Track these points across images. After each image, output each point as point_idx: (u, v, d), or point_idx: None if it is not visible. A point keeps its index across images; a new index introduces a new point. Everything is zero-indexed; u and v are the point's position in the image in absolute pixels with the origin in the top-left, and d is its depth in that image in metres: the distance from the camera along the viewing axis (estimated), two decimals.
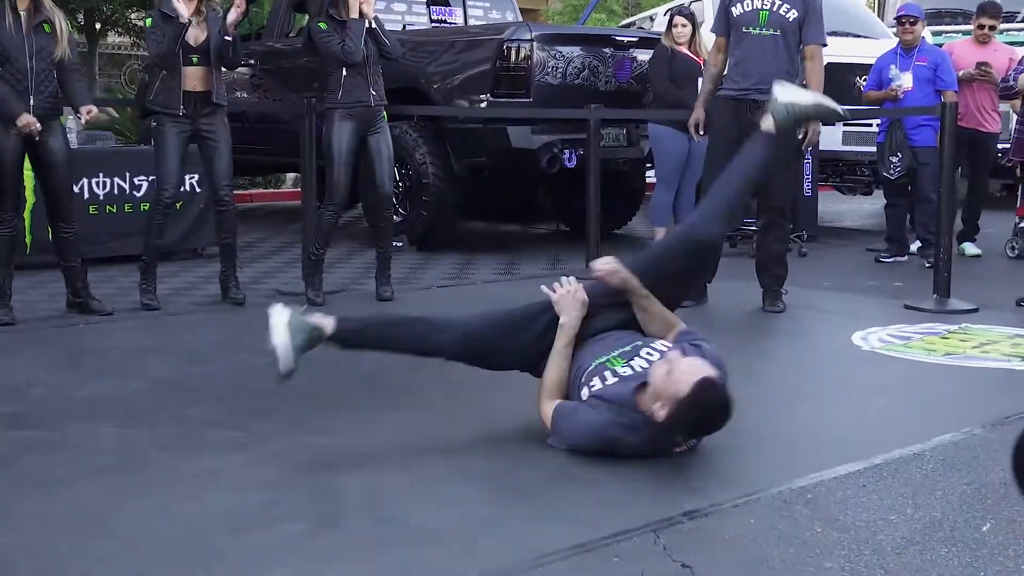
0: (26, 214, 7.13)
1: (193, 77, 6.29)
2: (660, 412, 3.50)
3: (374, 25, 6.57)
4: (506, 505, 3.30)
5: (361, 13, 6.54)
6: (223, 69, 6.47)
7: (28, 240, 7.36)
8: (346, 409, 4.36)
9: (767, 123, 4.42)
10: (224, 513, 3.20)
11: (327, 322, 4.00)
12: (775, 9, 6.17)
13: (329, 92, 6.60)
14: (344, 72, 6.52)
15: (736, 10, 6.24)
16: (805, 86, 6.27)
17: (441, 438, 3.99)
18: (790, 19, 6.17)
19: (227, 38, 6.33)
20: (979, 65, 8.43)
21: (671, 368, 3.51)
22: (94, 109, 6.06)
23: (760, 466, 3.67)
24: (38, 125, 5.75)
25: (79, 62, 6.25)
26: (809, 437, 4.03)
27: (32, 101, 5.77)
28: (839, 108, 4.47)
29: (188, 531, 3.08)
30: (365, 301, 6.72)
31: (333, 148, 6.55)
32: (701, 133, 6.52)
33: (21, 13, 5.76)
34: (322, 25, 6.57)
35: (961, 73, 8.45)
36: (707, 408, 3.48)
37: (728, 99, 6.26)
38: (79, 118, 6.17)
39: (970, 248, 8.67)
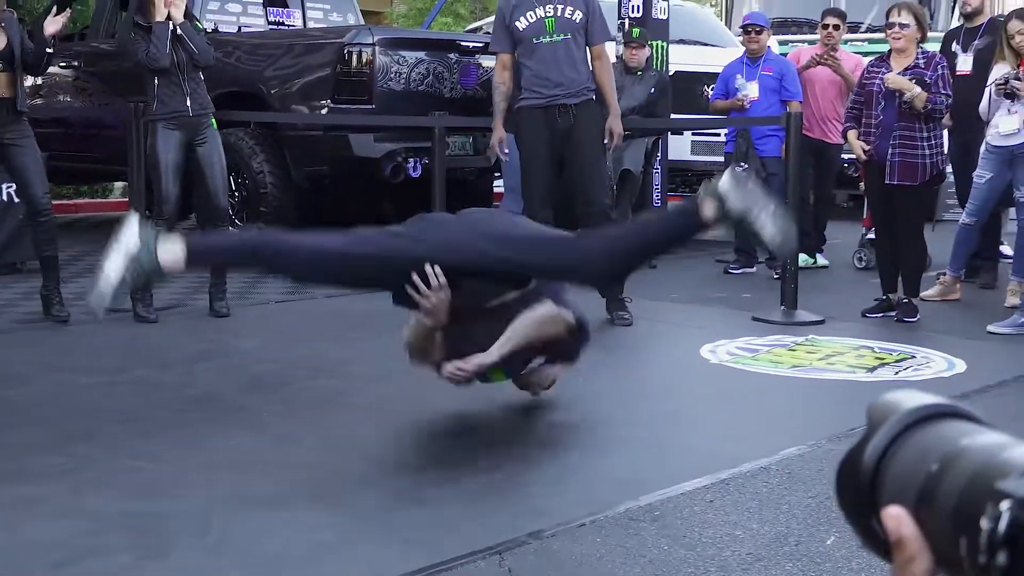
0: None
1: None
2: None
3: (179, 31, 6.41)
4: (347, 529, 3.28)
5: (169, 16, 6.38)
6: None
7: None
8: (175, 431, 4.27)
9: (707, 207, 4.02)
10: (45, 544, 3.10)
11: (174, 253, 3.98)
12: (560, 14, 6.30)
13: (148, 101, 6.48)
14: (156, 80, 6.40)
15: (521, 24, 6.33)
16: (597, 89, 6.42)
17: (277, 461, 3.95)
18: (576, 20, 6.32)
19: (48, 49, 6.14)
20: (822, 55, 8.61)
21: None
22: None
23: (606, 484, 3.73)
24: None
25: None
26: (656, 452, 4.10)
27: None
28: (792, 239, 4.24)
29: (5, 564, 2.97)
30: (199, 318, 6.60)
31: (158, 160, 6.41)
32: (506, 151, 6.61)
33: None
34: (132, 31, 6.43)
35: (806, 60, 8.68)
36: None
37: (534, 108, 6.34)
38: None
39: (816, 259, 8.89)
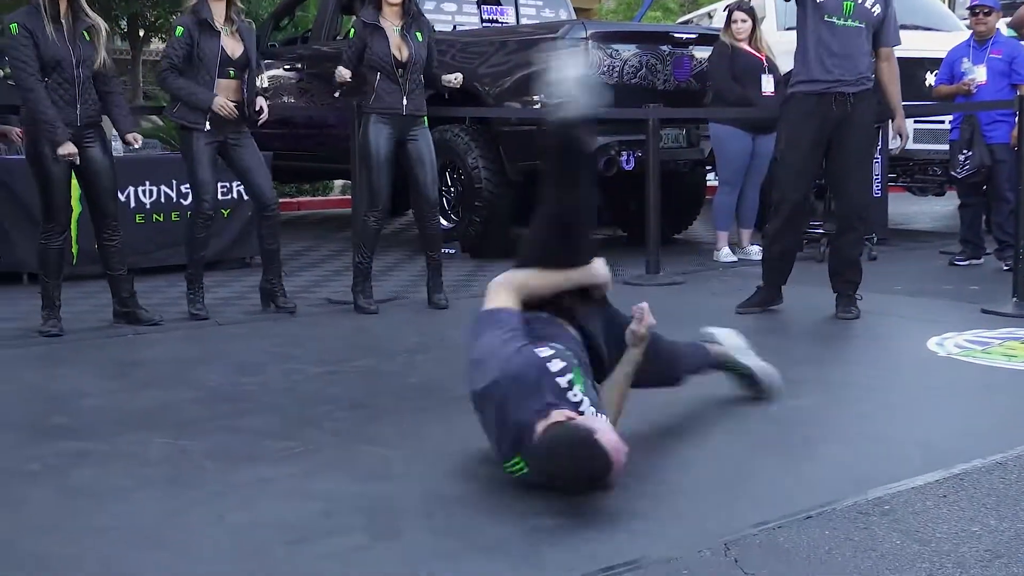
0: (72, 224, 7.23)
1: (226, 89, 6.34)
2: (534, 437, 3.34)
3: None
4: (567, 515, 3.29)
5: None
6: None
7: (75, 251, 7.47)
8: (399, 418, 4.39)
9: (717, 350, 4.49)
10: (279, 524, 3.23)
11: None
12: (861, 2, 6.14)
13: (365, 95, 6.67)
14: (377, 77, 6.57)
15: None
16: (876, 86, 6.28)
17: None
18: (874, 14, 6.15)
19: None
20: None
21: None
22: (140, 138, 6.15)
23: (834, 476, 3.64)
24: (75, 153, 5.83)
25: (116, 72, 6.32)
26: (885, 446, 3.98)
27: (78, 110, 5.87)
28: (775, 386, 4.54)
29: (243, 542, 3.11)
30: (418, 309, 6.76)
31: (370, 153, 6.60)
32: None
33: (62, 21, 5.83)
34: (351, 31, 6.64)
35: None
36: (563, 459, 3.24)
37: (809, 94, 6.21)
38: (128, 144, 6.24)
39: None
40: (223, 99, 6.21)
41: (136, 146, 6.17)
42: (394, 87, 6.58)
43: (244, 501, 3.44)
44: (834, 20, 6.14)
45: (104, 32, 5.98)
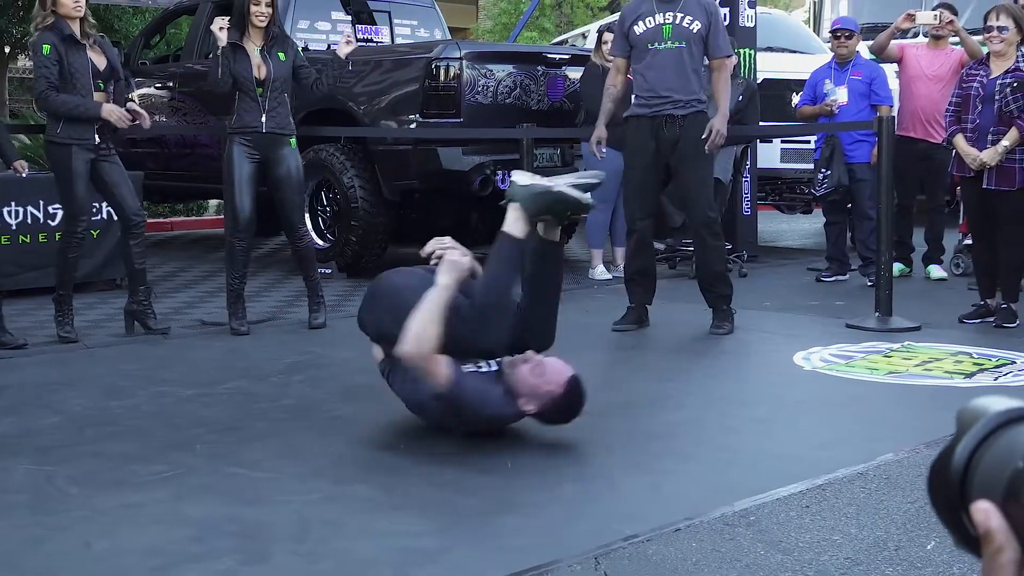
0: None
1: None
2: (529, 407, 4.12)
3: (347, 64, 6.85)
4: (442, 534, 3.31)
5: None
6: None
7: None
8: (272, 440, 4.35)
9: (511, 223, 4.35)
10: (146, 550, 3.17)
11: None
12: (678, 22, 6.29)
13: (228, 115, 6.63)
14: (237, 97, 6.54)
15: (638, 28, 6.35)
16: (709, 99, 6.44)
17: (374, 467, 4.00)
18: (694, 31, 6.30)
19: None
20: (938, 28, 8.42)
21: (536, 367, 4.10)
22: (25, 165, 6.06)
23: (701, 489, 3.71)
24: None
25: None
26: (751, 458, 4.08)
27: None
28: (583, 198, 4.35)
29: (109, 569, 3.05)
30: (293, 330, 6.70)
31: (232, 174, 6.55)
32: (603, 151, 6.63)
33: None
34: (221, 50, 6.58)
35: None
36: (577, 403, 4.16)
37: (642, 117, 6.38)
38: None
39: (935, 271, 8.61)
40: (111, 105, 6.13)
41: (23, 174, 6.05)
42: (253, 105, 6.54)
43: (110, 527, 3.37)
44: (656, 45, 6.30)
45: None
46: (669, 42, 6.30)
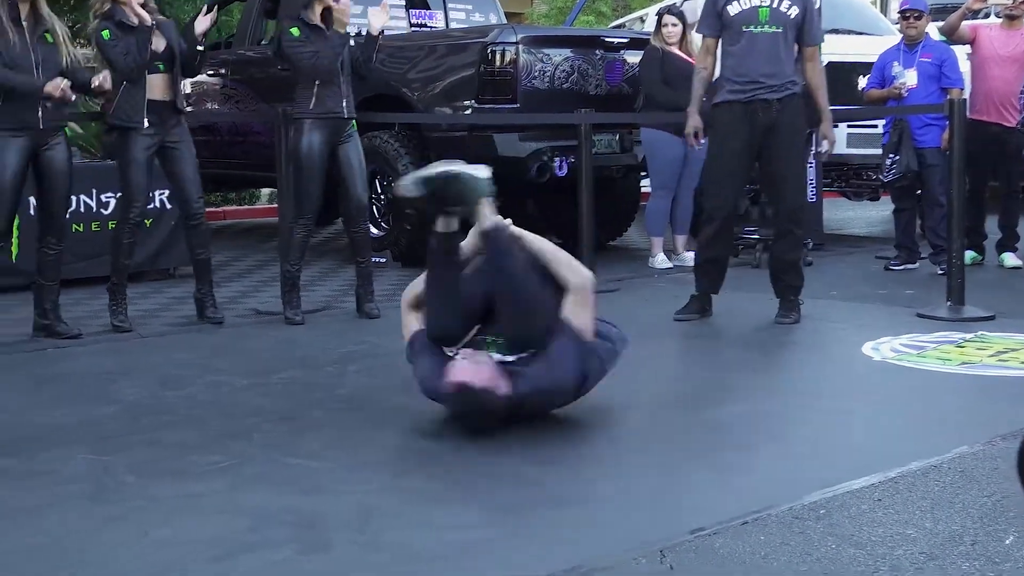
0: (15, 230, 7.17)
1: (158, 86, 6.30)
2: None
3: (379, 39, 6.82)
4: (501, 527, 3.31)
5: (339, 23, 6.59)
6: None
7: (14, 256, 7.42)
8: (328, 430, 4.37)
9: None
10: (205, 539, 3.20)
11: None
12: (775, 6, 6.23)
13: (299, 101, 6.63)
14: (317, 82, 6.55)
15: (733, 9, 6.28)
16: (806, 86, 6.39)
17: (431, 458, 4.01)
18: (791, 16, 6.24)
19: (199, 48, 6.40)
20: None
21: (456, 363, 4.26)
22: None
23: (769, 481, 3.68)
24: (69, 88, 5.86)
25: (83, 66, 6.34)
26: (821, 451, 4.04)
27: (40, 113, 5.88)
28: (478, 174, 4.38)
29: (168, 559, 3.08)
30: (348, 319, 6.73)
31: (303, 159, 6.59)
32: (702, 141, 6.58)
33: (23, 24, 5.85)
34: (294, 32, 6.57)
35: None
36: (456, 410, 4.25)
37: (735, 103, 6.30)
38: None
39: (1010, 259, 8.48)
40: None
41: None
42: (336, 90, 6.59)
43: (168, 516, 3.40)
44: (751, 28, 6.24)
45: (63, 32, 6.01)
46: (766, 26, 6.23)
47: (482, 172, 4.36)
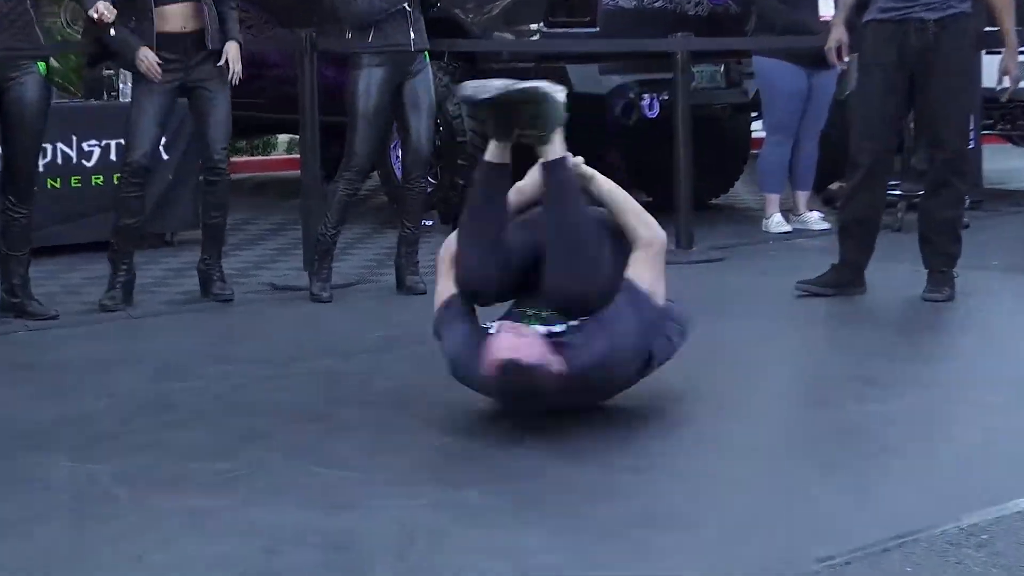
0: None
1: (177, 15, 6.36)
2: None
3: None
4: (578, 552, 3.29)
5: None
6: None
7: None
8: (363, 432, 4.41)
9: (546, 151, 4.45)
10: (211, 564, 3.22)
11: None
12: None
13: (359, 34, 6.65)
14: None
15: None
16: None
17: (490, 467, 4.01)
18: None
19: None
20: None
21: (493, 338, 4.20)
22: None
23: (917, 498, 3.65)
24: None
25: None
26: (982, 461, 4.01)
27: None
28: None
29: None
30: (386, 296, 6.76)
31: (359, 102, 6.62)
32: (845, 59, 6.54)
33: None
34: None
35: None
36: (502, 393, 4.28)
37: (885, 22, 6.26)
38: None
39: None
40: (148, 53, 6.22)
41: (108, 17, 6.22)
42: (401, 19, 6.61)
43: (168, 537, 3.43)
44: None
45: None
46: None
47: (562, 95, 4.39)
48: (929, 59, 6.20)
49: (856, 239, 6.51)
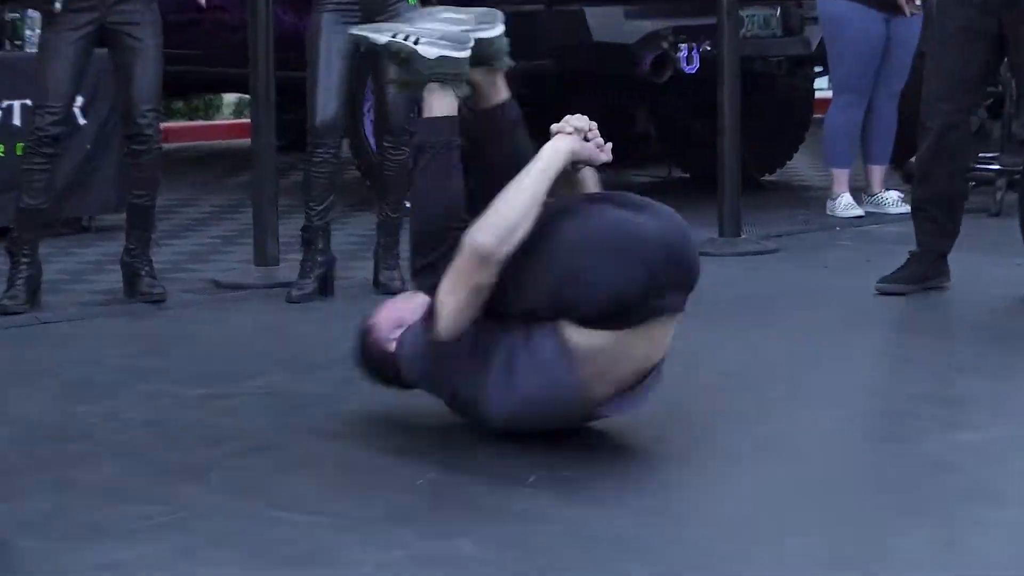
0: None
1: None
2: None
3: None
4: None
5: None
6: None
7: None
8: (327, 467, 4.41)
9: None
10: None
11: None
12: None
13: None
14: None
15: None
16: None
17: (487, 511, 4.00)
18: None
19: None
20: None
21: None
22: None
23: (1018, 553, 3.66)
24: None
25: None
26: None
27: None
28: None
29: None
30: (357, 295, 6.76)
31: (320, 42, 6.64)
32: (918, 3, 6.57)
33: None
34: None
35: None
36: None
37: None
38: None
39: None
40: None
41: None
42: None
43: None
44: None
45: None
46: None
47: (435, 48, 4.66)
48: (1019, 9, 6.23)
49: (934, 221, 6.51)
